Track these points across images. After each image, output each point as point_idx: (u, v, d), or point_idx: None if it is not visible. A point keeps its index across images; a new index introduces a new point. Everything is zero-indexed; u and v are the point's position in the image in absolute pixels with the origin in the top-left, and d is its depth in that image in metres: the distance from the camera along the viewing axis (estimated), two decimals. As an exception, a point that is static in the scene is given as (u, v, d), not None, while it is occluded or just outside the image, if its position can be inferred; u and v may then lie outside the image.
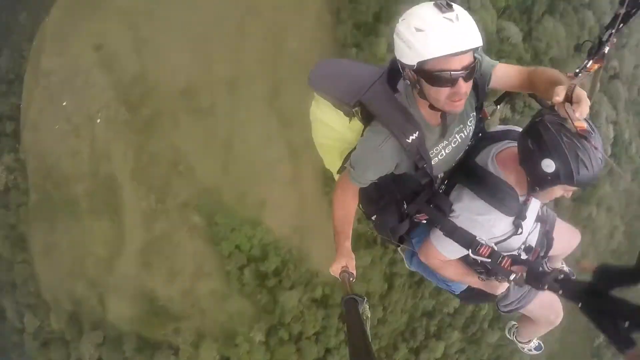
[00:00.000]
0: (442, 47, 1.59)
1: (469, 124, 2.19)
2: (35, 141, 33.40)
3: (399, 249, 2.81)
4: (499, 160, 2.03)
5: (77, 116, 29.86)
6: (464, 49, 1.62)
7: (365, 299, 1.96)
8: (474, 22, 1.69)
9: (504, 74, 2.07)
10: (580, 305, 1.92)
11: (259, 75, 26.81)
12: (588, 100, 1.69)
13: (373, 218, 2.54)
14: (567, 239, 2.81)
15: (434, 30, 1.59)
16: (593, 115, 44.75)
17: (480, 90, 2.07)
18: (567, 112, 1.65)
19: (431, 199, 2.13)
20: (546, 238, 2.57)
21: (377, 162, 2.03)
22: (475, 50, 1.72)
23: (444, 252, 2.19)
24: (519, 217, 2.07)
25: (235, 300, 28.68)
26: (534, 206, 2.23)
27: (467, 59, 1.70)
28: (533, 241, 2.44)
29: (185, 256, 28.73)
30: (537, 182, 1.91)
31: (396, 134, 1.87)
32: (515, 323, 3.41)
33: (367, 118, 2.06)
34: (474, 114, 2.20)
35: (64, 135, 31.07)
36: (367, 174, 2.12)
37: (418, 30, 1.60)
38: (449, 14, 1.59)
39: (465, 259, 2.33)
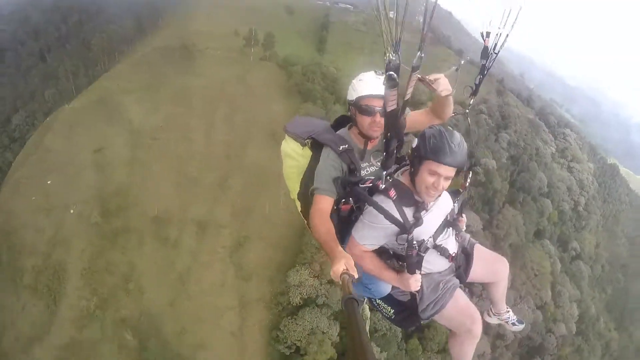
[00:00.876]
0: (370, 89, 2.43)
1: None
2: (10, 200, 33.53)
3: None
4: (402, 173, 2.57)
5: (55, 198, 30.97)
6: (381, 93, 2.24)
7: (365, 300, 1.92)
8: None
9: (414, 117, 2.69)
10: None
11: (228, 226, 28.26)
12: (441, 74, 2.32)
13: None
14: (490, 263, 2.98)
15: (369, 81, 2.44)
16: (555, 295, 45.82)
17: (399, 138, 2.49)
18: (432, 79, 2.28)
19: (365, 195, 2.57)
20: (464, 254, 2.84)
21: (328, 167, 2.55)
22: None
23: (360, 240, 2.51)
24: (417, 210, 2.43)
25: None
26: (438, 211, 2.58)
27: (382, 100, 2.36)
28: (450, 246, 2.70)
29: None
30: (411, 164, 2.40)
31: (332, 146, 2.54)
32: (490, 307, 3.50)
33: (317, 147, 2.65)
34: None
35: (37, 209, 31.59)
36: (327, 179, 2.53)
37: (360, 80, 2.47)
38: (379, 77, 2.40)
39: (379, 254, 2.61)
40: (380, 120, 2.49)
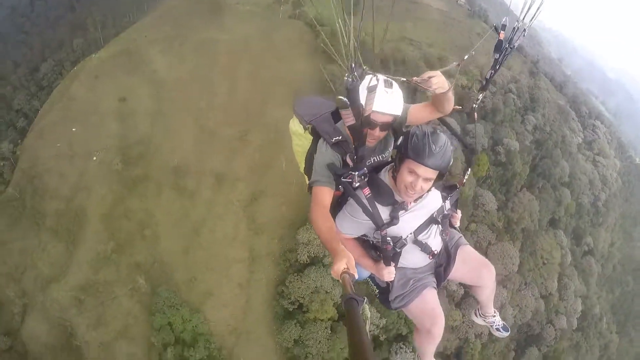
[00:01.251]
0: (377, 105, 2.28)
1: (385, 154, 2.89)
2: (35, 146, 34.70)
3: None
4: (388, 171, 2.69)
5: (79, 146, 31.79)
6: (388, 112, 2.42)
7: (365, 300, 2.04)
8: (402, 99, 2.49)
9: (415, 111, 2.75)
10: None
11: (244, 180, 28.60)
12: (437, 72, 2.35)
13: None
14: (474, 267, 2.96)
15: (378, 96, 2.26)
16: (561, 287, 44.84)
17: (398, 132, 2.71)
18: (419, 79, 2.34)
19: (348, 188, 2.66)
20: (445, 252, 2.87)
21: (324, 158, 2.63)
22: (396, 117, 2.49)
23: (340, 228, 2.67)
24: (394, 209, 2.52)
25: (148, 372, 27.72)
26: (421, 210, 2.66)
27: (388, 118, 2.48)
28: (432, 243, 2.76)
29: (118, 312, 28.40)
30: (395, 161, 2.48)
31: (325, 137, 2.61)
32: (478, 307, 3.58)
33: (316, 133, 2.76)
34: (391, 148, 2.88)
35: (61, 155, 32.53)
36: (324, 171, 2.60)
37: (371, 91, 2.19)
38: (388, 91, 2.41)
39: (361, 242, 2.76)
40: (380, 133, 2.51)
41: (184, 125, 29.30)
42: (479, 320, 3.64)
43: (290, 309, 28.39)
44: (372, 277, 2.93)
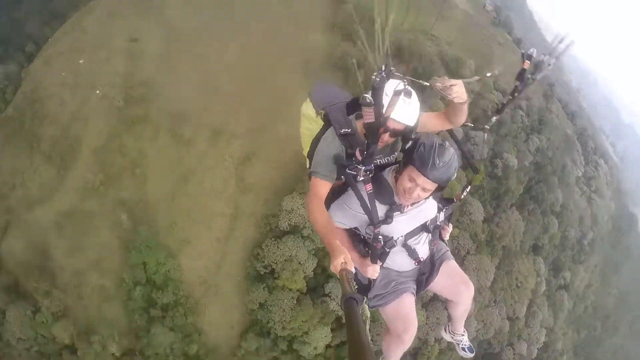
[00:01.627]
0: (396, 114, 2.35)
1: (392, 157, 2.95)
2: (40, 72, 34.84)
3: None
4: (392, 171, 2.73)
5: (83, 77, 32.00)
6: (404, 122, 2.45)
7: (365, 299, 1.96)
8: (419, 111, 2.51)
9: (426, 119, 2.73)
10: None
11: (240, 138, 28.98)
12: (459, 81, 2.41)
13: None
14: (455, 282, 2.97)
15: (399, 105, 2.32)
16: (529, 314, 45.08)
17: (407, 138, 2.68)
18: (441, 86, 2.38)
19: (351, 179, 2.74)
20: (430, 262, 2.89)
21: (330, 149, 2.63)
22: (410, 128, 2.51)
23: (333, 217, 2.72)
24: (390, 209, 2.57)
25: (114, 306, 28.83)
26: (416, 215, 2.69)
27: (401, 127, 2.50)
28: (420, 250, 2.79)
29: (96, 242, 29.26)
30: (399, 164, 2.54)
31: (335, 126, 2.59)
32: (448, 323, 3.59)
33: (327, 121, 2.76)
34: (398, 151, 2.94)
35: (64, 84, 32.76)
36: (326, 163, 2.62)
37: (393, 99, 2.26)
38: (406, 100, 2.40)
39: (351, 235, 2.81)
40: (388, 139, 2.56)
41: (190, 75, 29.57)
42: (447, 337, 3.65)
43: (262, 272, 28.96)
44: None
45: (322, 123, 2.85)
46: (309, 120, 2.98)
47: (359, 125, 2.66)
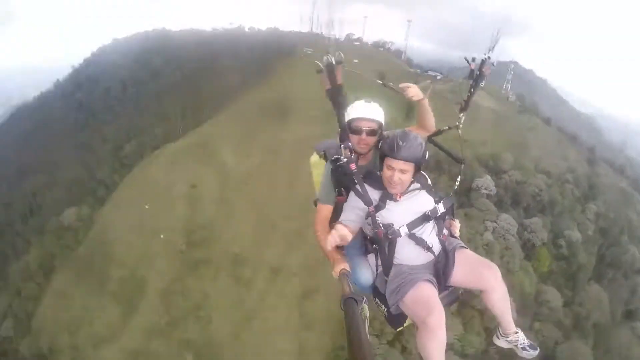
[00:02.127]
0: (358, 112, 2.86)
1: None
2: (110, 216, 38.68)
3: None
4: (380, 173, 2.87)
5: (149, 222, 35.28)
6: (368, 117, 2.85)
7: (365, 299, 2.04)
8: (381, 110, 2.94)
9: None
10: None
11: (299, 275, 29.98)
12: (413, 85, 2.90)
13: None
14: (474, 267, 2.93)
15: (358, 106, 2.88)
16: None
17: (380, 138, 2.95)
18: (400, 88, 2.85)
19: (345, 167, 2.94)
20: (444, 254, 2.88)
21: (325, 179, 3.00)
22: (378, 123, 2.89)
23: (341, 218, 2.81)
24: (384, 196, 2.75)
25: None
26: (412, 205, 2.82)
27: (370, 124, 2.88)
28: (427, 239, 2.84)
29: None
30: (379, 165, 2.76)
31: (328, 155, 2.98)
32: (497, 328, 3.33)
33: (326, 157, 3.07)
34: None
35: (132, 228, 36.06)
36: (327, 190, 2.96)
37: (352, 107, 2.86)
38: (368, 103, 2.91)
39: (359, 239, 2.91)
40: (366, 138, 2.90)
41: (246, 216, 32.04)
42: (501, 343, 3.41)
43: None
44: (379, 295, 2.91)
45: (323, 163, 3.20)
46: (318, 167, 3.33)
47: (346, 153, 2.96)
